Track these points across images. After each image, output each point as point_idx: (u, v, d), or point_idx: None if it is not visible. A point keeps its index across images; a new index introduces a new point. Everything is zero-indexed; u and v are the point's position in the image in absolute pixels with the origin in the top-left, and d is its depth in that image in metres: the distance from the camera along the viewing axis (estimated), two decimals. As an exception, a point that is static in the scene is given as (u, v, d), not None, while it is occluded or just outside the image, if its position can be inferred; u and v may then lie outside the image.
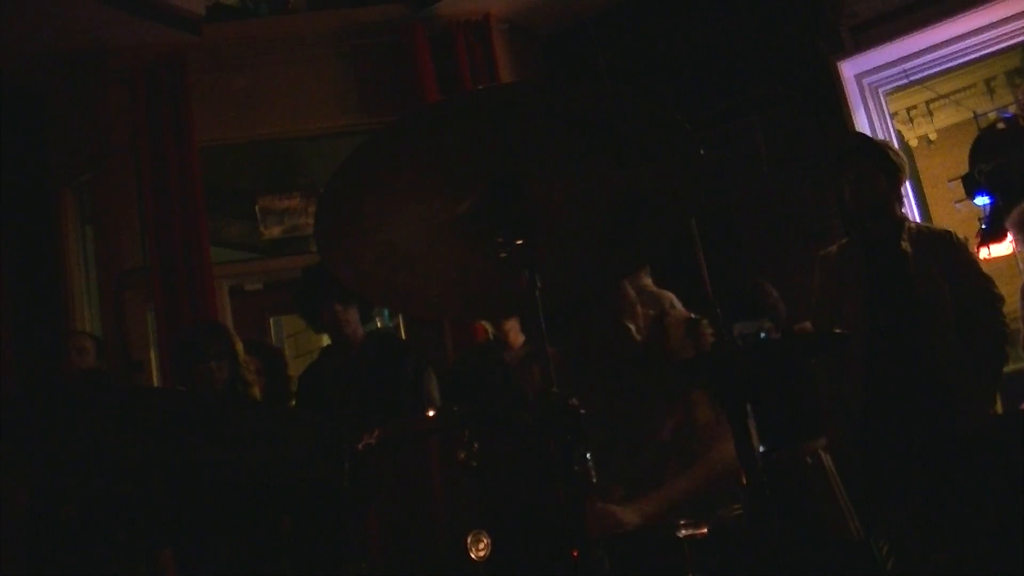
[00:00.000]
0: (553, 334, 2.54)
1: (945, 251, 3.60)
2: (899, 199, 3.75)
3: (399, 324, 6.13)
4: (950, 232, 3.73)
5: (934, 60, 5.74)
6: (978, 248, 5.32)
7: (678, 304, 2.79)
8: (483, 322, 4.53)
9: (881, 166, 3.66)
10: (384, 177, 1.57)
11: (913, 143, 8.41)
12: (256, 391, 3.81)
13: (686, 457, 2.15)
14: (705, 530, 1.65)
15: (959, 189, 5.64)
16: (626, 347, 2.28)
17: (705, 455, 2.12)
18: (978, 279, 3.58)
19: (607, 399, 2.21)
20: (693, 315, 2.32)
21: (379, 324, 6.14)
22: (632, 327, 2.27)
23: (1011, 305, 4.00)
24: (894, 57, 5.68)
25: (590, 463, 1.47)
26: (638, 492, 2.04)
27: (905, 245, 3.59)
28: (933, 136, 8.53)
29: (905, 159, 3.88)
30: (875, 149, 3.77)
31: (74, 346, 4.68)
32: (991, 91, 8.08)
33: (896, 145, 5.39)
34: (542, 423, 1.50)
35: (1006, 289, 3.90)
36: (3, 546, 3.43)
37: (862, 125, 5.63)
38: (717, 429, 2.10)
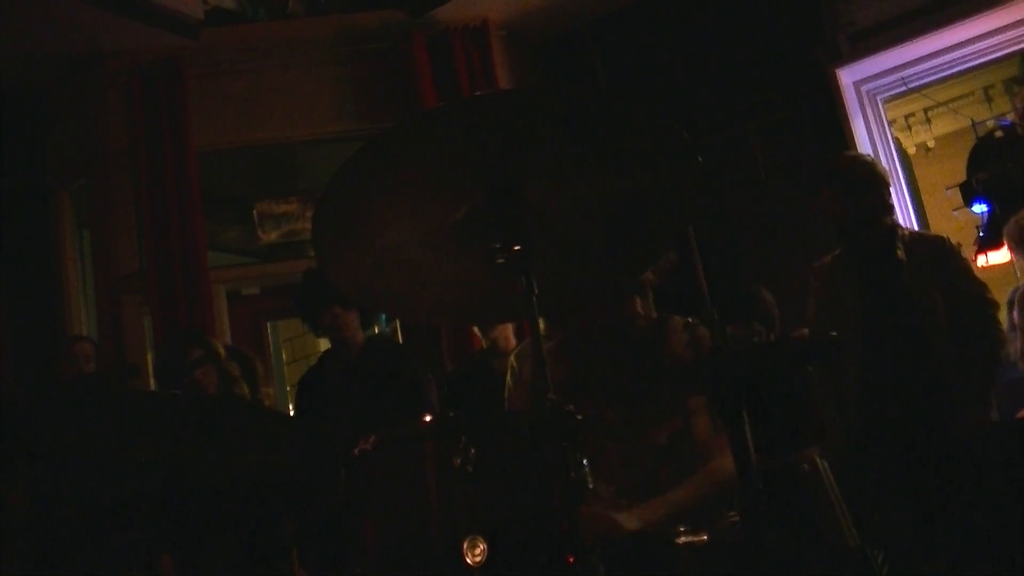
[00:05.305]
0: (558, 318, 2.53)
1: (939, 257, 3.58)
2: (887, 210, 3.72)
3: (396, 330, 6.12)
4: (943, 238, 3.70)
5: (932, 68, 5.75)
6: (976, 256, 5.33)
7: None
8: (477, 331, 4.53)
9: (865, 184, 3.62)
10: (381, 182, 1.57)
11: (911, 150, 8.44)
12: (243, 388, 3.78)
13: (682, 464, 2.15)
14: (704, 537, 1.65)
15: (957, 197, 5.64)
16: (630, 325, 2.27)
17: (705, 466, 2.12)
18: (972, 285, 3.56)
19: (604, 398, 2.21)
20: (691, 320, 2.31)
21: (376, 330, 6.14)
22: (638, 301, 2.26)
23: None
24: (892, 65, 5.70)
25: (586, 469, 1.47)
26: (633, 496, 2.04)
27: (900, 253, 3.58)
28: (931, 143, 8.55)
29: (888, 173, 3.85)
30: (858, 167, 3.73)
31: (80, 352, 4.68)
32: (989, 99, 8.10)
33: (893, 152, 5.41)
34: (538, 429, 1.50)
35: (1003, 297, 3.90)
36: (2, 548, 3.42)
37: (860, 133, 5.64)
38: (715, 443, 2.11)
